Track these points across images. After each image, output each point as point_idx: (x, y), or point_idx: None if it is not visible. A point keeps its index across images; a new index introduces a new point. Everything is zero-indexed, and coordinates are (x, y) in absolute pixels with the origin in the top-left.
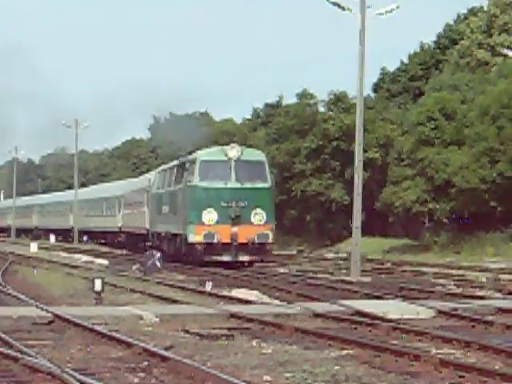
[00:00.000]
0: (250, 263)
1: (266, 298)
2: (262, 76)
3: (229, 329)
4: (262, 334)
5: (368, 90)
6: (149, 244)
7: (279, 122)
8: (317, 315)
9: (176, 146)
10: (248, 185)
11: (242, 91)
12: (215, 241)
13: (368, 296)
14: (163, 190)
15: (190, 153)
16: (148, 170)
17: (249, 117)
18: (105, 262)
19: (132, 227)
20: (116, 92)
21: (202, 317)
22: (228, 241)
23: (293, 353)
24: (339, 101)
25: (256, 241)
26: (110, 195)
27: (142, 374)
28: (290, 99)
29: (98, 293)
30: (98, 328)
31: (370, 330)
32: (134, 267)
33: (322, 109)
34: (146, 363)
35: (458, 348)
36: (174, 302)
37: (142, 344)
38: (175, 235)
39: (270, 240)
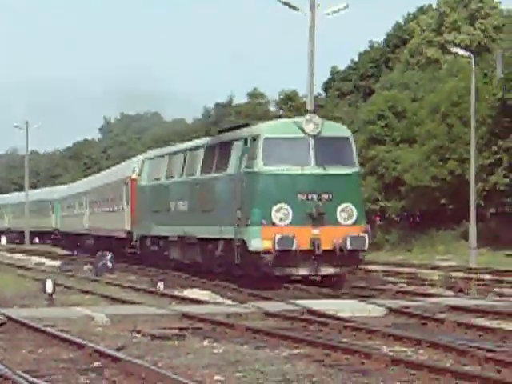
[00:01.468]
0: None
1: (218, 298)
2: (212, 76)
3: (180, 329)
4: (213, 333)
5: (319, 89)
6: (132, 250)
7: (230, 122)
8: (268, 314)
9: (127, 146)
10: (332, 170)
11: (193, 91)
12: (293, 248)
13: (320, 295)
14: (169, 180)
15: (235, 128)
16: (100, 170)
17: (200, 117)
18: (56, 263)
19: (103, 229)
20: (66, 91)
21: (153, 317)
22: (307, 247)
23: (244, 352)
24: (290, 100)
25: (348, 247)
26: (73, 192)
27: (93, 375)
28: (241, 99)
29: (50, 294)
30: (49, 329)
31: (321, 329)
32: (86, 268)
33: (272, 108)
34: (97, 364)
35: (409, 346)
36: (126, 302)
37: (93, 345)
38: (209, 241)
39: (366, 246)
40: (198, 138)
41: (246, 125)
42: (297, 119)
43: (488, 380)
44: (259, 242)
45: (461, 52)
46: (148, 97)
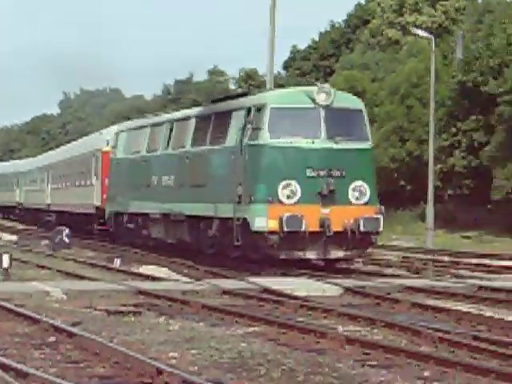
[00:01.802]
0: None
1: (174, 275)
2: (172, 52)
3: (136, 305)
4: (169, 310)
5: (279, 68)
6: (101, 227)
7: (190, 99)
8: (224, 292)
9: (86, 121)
10: (344, 145)
11: (152, 68)
12: (302, 229)
13: (276, 273)
14: (151, 153)
15: (234, 97)
16: (57, 146)
17: (159, 93)
18: (13, 237)
19: (68, 205)
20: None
21: (109, 293)
22: (316, 229)
23: (200, 330)
24: (250, 78)
25: (361, 229)
26: (36, 166)
27: (48, 350)
28: (201, 76)
29: (6, 269)
30: (4, 304)
31: (276, 308)
32: (43, 243)
33: (232, 86)
34: (52, 339)
35: (363, 325)
36: (82, 278)
37: (49, 320)
38: (200, 219)
39: (381, 228)
40: (157, 114)
41: (246, 93)
42: (307, 88)
43: (442, 360)
44: (264, 221)
45: (421, 33)
46: (108, 72)
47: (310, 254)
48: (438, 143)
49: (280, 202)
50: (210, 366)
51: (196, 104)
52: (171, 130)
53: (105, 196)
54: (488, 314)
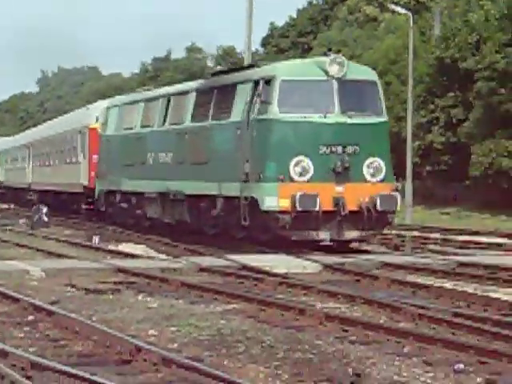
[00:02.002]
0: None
1: (152, 253)
2: (149, 29)
3: (115, 283)
4: (148, 288)
5: (257, 45)
6: (89, 207)
7: (168, 77)
8: (203, 269)
9: (64, 100)
10: (359, 119)
11: (130, 45)
12: (316, 208)
13: (254, 250)
14: (146, 129)
15: (239, 69)
16: (35, 125)
17: (137, 71)
18: None
19: (51, 184)
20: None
21: (88, 271)
22: (330, 208)
23: (178, 307)
24: (227, 55)
25: (378, 207)
26: (17, 144)
27: (28, 328)
28: (179, 53)
29: None
30: None
31: (256, 285)
32: (21, 221)
33: (210, 63)
34: (31, 318)
35: (343, 302)
36: (61, 256)
37: (28, 298)
38: (201, 198)
39: (398, 207)
40: (133, 91)
41: (252, 66)
42: (318, 59)
43: (421, 336)
44: (275, 200)
45: (399, 10)
46: (86, 50)
47: (324, 235)
48: (416, 120)
49: (291, 179)
50: (189, 343)
51: (174, 81)
52: (168, 105)
53: (93, 174)
54: (468, 289)
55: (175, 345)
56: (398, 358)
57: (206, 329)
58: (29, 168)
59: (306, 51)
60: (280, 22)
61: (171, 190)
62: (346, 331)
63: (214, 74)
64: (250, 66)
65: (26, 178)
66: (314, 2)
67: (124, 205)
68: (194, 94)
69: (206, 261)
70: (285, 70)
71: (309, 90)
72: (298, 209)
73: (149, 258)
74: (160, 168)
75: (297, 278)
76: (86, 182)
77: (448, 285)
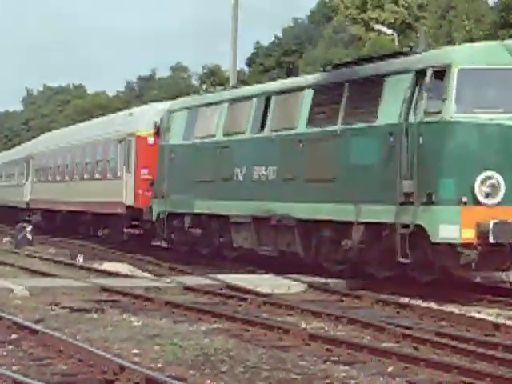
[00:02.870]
0: None
1: (136, 271)
2: (135, 48)
3: (99, 302)
4: (132, 307)
5: (242, 64)
6: (129, 231)
7: (153, 95)
8: (188, 289)
9: (49, 118)
10: None
11: (116, 64)
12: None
13: (240, 270)
14: (233, 137)
15: (387, 56)
16: (20, 143)
17: (122, 90)
18: None
19: (66, 203)
20: None
21: (72, 290)
22: None
23: (163, 326)
24: (213, 74)
25: None
26: (8, 160)
27: (11, 347)
28: (164, 72)
29: None
30: None
31: (240, 304)
32: (5, 240)
33: (195, 82)
34: (14, 336)
35: (327, 322)
36: (45, 274)
37: (11, 317)
38: (324, 225)
39: None
40: (120, 110)
41: (405, 53)
42: (505, 42)
43: (405, 356)
44: (456, 229)
45: (384, 29)
46: (71, 69)
47: None
48: None
49: (477, 202)
50: (173, 362)
51: (159, 100)
52: (267, 106)
53: (140, 192)
54: (451, 309)
55: (159, 364)
56: (381, 379)
57: (189, 348)
58: (27, 184)
59: (290, 70)
60: (265, 42)
61: (274, 214)
62: (330, 351)
63: (337, 66)
64: (405, 53)
65: (24, 196)
66: (300, 21)
67: (196, 231)
68: (310, 90)
69: (191, 280)
70: (464, 55)
71: (496, 83)
72: (491, 241)
73: (133, 276)
74: (255, 186)
75: (281, 297)
76: (130, 202)
77: (433, 305)
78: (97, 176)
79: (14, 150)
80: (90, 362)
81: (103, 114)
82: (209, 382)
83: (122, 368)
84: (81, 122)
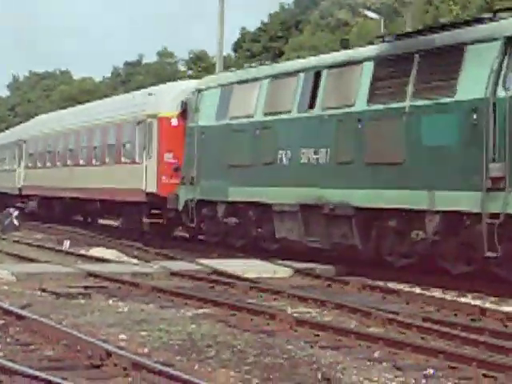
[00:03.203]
0: None
1: (123, 257)
2: (121, 34)
3: (86, 287)
4: (118, 292)
5: (228, 50)
6: (149, 221)
7: (139, 81)
8: (174, 274)
9: (35, 104)
10: None
11: (102, 49)
12: None
13: (225, 255)
14: (275, 116)
15: (469, 22)
16: (7, 128)
17: (109, 75)
18: None
19: (67, 189)
20: None
21: (59, 275)
22: None
23: (149, 311)
24: (199, 60)
25: None
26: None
27: None
28: (151, 58)
29: None
30: None
31: (226, 289)
32: None
33: (182, 68)
34: (1, 322)
35: (313, 307)
36: (32, 260)
37: None
38: (386, 214)
39: None
40: (106, 96)
41: (489, 19)
42: None
43: (391, 341)
44: None
45: (371, 15)
46: (57, 54)
47: None
48: None
49: None
50: (159, 347)
51: (145, 86)
52: (317, 82)
53: (163, 179)
54: (437, 294)
55: (146, 349)
56: (368, 363)
57: (176, 333)
58: (19, 169)
59: (277, 56)
60: (251, 27)
61: (326, 202)
62: (317, 336)
63: (402, 35)
64: (489, 19)
65: (16, 182)
66: (286, 6)
67: (232, 220)
68: (370, 63)
69: (177, 265)
70: None
71: None
72: None
73: (119, 262)
74: (303, 170)
75: (267, 282)
76: (152, 189)
77: (417, 289)
78: (108, 161)
79: (4, 135)
80: (76, 348)
81: (89, 100)
82: (196, 367)
83: (109, 353)
84: (66, 107)
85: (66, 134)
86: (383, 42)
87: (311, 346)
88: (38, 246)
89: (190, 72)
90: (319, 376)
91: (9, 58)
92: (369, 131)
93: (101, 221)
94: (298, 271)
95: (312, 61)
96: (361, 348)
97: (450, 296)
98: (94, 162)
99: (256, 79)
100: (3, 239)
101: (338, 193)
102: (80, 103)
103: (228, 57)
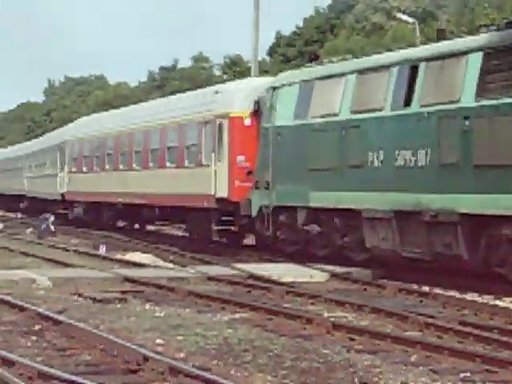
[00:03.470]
0: None
1: (159, 262)
2: (157, 39)
3: (122, 292)
4: (155, 297)
5: (263, 54)
6: (219, 228)
7: (174, 86)
8: (211, 279)
9: (70, 109)
10: None
11: (137, 54)
12: None
13: (262, 259)
14: (363, 115)
15: None
16: (43, 133)
17: (144, 80)
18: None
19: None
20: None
21: (95, 280)
22: None
23: (185, 316)
24: (234, 64)
25: None
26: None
27: (35, 338)
28: (186, 63)
29: None
30: None
31: (263, 294)
32: (28, 231)
33: (217, 72)
34: (38, 327)
35: (350, 311)
36: (68, 265)
37: (35, 307)
38: (506, 221)
39: None
40: (141, 101)
41: None
42: None
43: (428, 345)
44: None
45: (405, 18)
46: (93, 59)
47: None
48: None
49: None
50: (196, 352)
51: (180, 91)
52: (414, 76)
53: (236, 183)
54: (474, 298)
55: (182, 354)
56: (404, 367)
57: (212, 338)
58: (62, 174)
59: (312, 60)
60: (287, 31)
61: (427, 208)
62: (353, 340)
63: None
64: None
65: (58, 187)
66: (321, 10)
67: (313, 228)
68: (478, 54)
69: (214, 270)
70: None
71: None
72: None
73: (156, 267)
74: (398, 174)
75: (304, 286)
76: (222, 194)
77: (455, 293)
78: (169, 165)
79: (42, 139)
80: (113, 352)
81: (124, 105)
82: (232, 371)
83: (146, 358)
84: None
85: (117, 137)
86: (496, 30)
87: (348, 351)
88: (74, 251)
89: (225, 76)
90: (356, 380)
91: (44, 63)
92: (478, 129)
93: (150, 227)
94: (334, 275)
95: (406, 54)
96: (397, 352)
97: (486, 299)
98: (150, 165)
99: (341, 74)
100: (40, 244)
101: (440, 198)
102: (115, 108)
103: (263, 61)
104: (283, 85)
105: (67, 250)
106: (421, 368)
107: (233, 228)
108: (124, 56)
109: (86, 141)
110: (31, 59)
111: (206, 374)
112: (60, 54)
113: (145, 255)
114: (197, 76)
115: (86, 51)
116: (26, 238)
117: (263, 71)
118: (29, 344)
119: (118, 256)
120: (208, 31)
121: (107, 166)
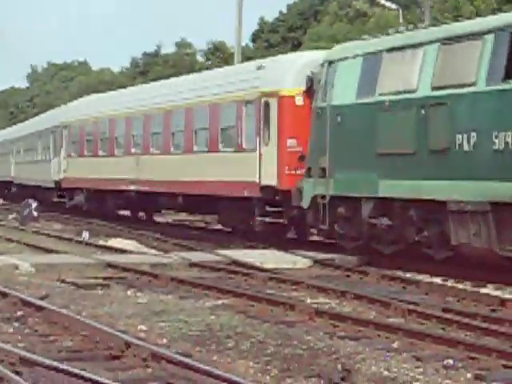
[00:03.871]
0: None
1: (142, 248)
2: (140, 25)
3: (105, 278)
4: (137, 283)
5: (247, 40)
6: (262, 220)
7: (157, 71)
8: (193, 265)
9: (54, 95)
10: None
11: (120, 40)
12: None
13: (244, 246)
14: (454, 92)
15: None
16: (26, 119)
17: (127, 66)
18: None
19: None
20: None
21: (78, 266)
22: None
23: (168, 302)
24: (217, 50)
25: None
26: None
27: (17, 324)
28: (169, 48)
29: None
30: None
31: (245, 280)
32: (11, 216)
33: (200, 58)
34: (20, 313)
35: (333, 298)
36: (51, 251)
37: (17, 293)
38: None
39: None
40: (125, 87)
41: None
42: None
43: (411, 332)
44: None
45: (389, 5)
46: (75, 45)
47: None
48: None
49: None
50: (178, 338)
51: (163, 77)
52: None
53: (286, 170)
54: (457, 285)
55: (164, 340)
56: (387, 354)
57: (195, 324)
58: (57, 160)
59: (295, 46)
60: (270, 17)
61: None
62: (336, 326)
63: None
64: None
65: (52, 174)
66: None
67: (382, 221)
68: None
69: (196, 256)
70: None
71: None
72: None
73: (139, 253)
74: (496, 159)
75: (287, 273)
76: (269, 182)
77: (438, 280)
78: (196, 149)
79: (32, 121)
80: (95, 339)
81: (108, 91)
82: (215, 357)
83: (128, 344)
84: None
85: (129, 118)
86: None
87: (330, 337)
88: (57, 237)
89: (208, 63)
90: (338, 366)
91: (27, 49)
92: None
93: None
94: (317, 262)
95: (502, 19)
96: (380, 339)
97: (469, 287)
98: (172, 150)
99: (417, 45)
100: (22, 230)
101: None
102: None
103: (246, 47)
104: (342, 58)
105: (50, 236)
106: (404, 354)
107: (281, 220)
108: (107, 42)
109: (89, 122)
110: (14, 45)
111: (189, 360)
112: (43, 39)
113: (127, 241)
114: (180, 62)
115: (69, 37)
116: (8, 224)
117: (246, 57)
118: (11, 330)
119: (101, 242)
120: (191, 17)
121: (116, 151)
